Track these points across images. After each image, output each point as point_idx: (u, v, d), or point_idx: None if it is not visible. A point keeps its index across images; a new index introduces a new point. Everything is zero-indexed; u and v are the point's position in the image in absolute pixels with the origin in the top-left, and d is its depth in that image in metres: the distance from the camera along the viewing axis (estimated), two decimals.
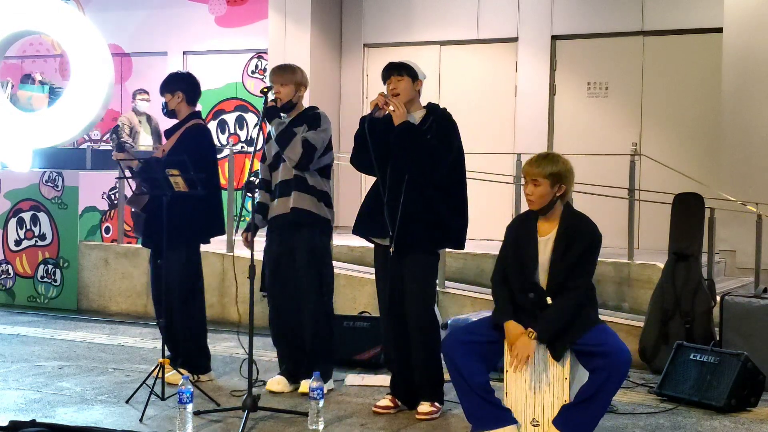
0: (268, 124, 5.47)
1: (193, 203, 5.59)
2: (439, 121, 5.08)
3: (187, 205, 5.58)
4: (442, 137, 5.01)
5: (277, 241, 5.58)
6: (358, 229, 5.25)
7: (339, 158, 8.11)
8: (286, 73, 5.57)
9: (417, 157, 4.97)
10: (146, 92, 10.67)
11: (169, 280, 5.74)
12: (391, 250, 5.03)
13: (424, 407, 5.06)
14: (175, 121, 5.95)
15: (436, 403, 5.07)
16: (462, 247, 5.22)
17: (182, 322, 5.82)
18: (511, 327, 4.50)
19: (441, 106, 5.22)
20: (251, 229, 5.42)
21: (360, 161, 5.19)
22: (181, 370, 5.62)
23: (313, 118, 5.53)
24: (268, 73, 5.68)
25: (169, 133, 5.92)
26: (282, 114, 5.55)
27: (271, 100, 5.50)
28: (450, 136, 5.07)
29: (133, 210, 6.02)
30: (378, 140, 5.05)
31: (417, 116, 5.12)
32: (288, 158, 5.42)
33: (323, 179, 5.56)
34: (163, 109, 5.92)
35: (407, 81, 5.12)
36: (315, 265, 5.53)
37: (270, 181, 5.63)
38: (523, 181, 4.71)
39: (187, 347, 5.84)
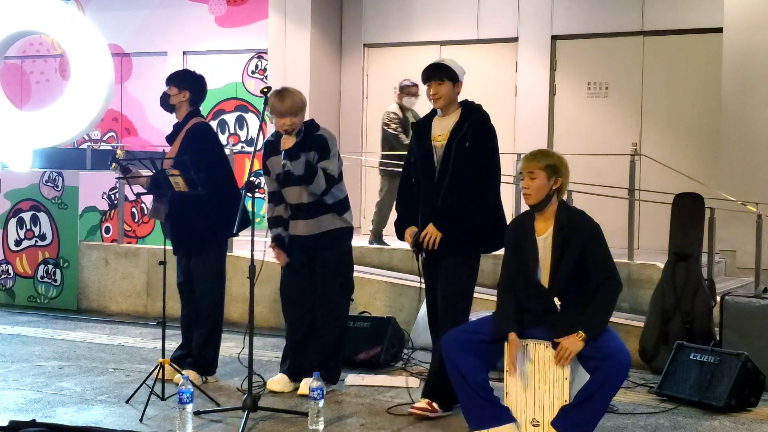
0: (289, 162, 5.40)
1: (216, 204, 5.60)
2: (475, 126, 5.06)
3: (211, 207, 5.59)
4: (478, 145, 5.01)
5: (299, 254, 5.58)
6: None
7: None
8: (294, 99, 5.41)
9: (456, 166, 4.99)
10: (417, 85, 8.98)
11: (200, 282, 5.78)
12: (422, 255, 5.10)
13: (421, 403, 5.07)
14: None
15: (435, 404, 5.04)
16: (495, 249, 5.20)
17: (209, 323, 5.83)
18: (514, 339, 4.51)
19: (477, 105, 5.21)
20: (280, 245, 5.54)
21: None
22: (188, 372, 5.65)
23: (320, 144, 5.47)
24: (268, 99, 5.49)
25: (173, 133, 5.87)
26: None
27: (286, 135, 5.41)
28: (486, 143, 5.06)
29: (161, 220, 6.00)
30: (422, 149, 5.13)
31: (453, 120, 5.11)
32: (311, 192, 5.43)
33: (338, 187, 5.56)
34: (161, 100, 5.88)
35: (448, 85, 5.10)
36: (341, 271, 5.58)
37: (279, 194, 5.61)
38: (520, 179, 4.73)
39: (204, 349, 5.84)
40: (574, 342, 4.39)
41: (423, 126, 5.25)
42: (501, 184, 5.29)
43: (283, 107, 5.39)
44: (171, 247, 5.86)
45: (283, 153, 5.41)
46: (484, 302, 7.02)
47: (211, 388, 5.63)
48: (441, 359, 4.83)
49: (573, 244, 4.49)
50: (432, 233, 4.99)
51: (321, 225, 5.48)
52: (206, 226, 5.71)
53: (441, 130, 5.14)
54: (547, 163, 4.55)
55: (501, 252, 4.94)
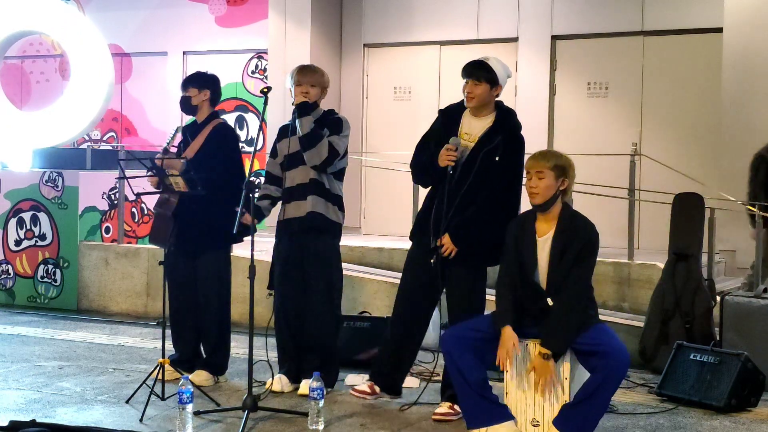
0: (298, 121, 5.45)
1: (226, 204, 5.60)
2: (507, 139, 5.00)
3: (222, 205, 5.58)
4: (508, 161, 4.97)
5: (288, 242, 5.58)
6: (414, 234, 5.29)
7: None
8: (315, 74, 5.57)
9: (479, 177, 4.96)
10: None
11: (207, 282, 5.78)
12: (432, 260, 5.06)
13: (443, 408, 5.07)
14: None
15: (456, 407, 5.00)
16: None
17: (218, 324, 5.84)
18: (506, 334, 4.50)
19: (512, 112, 5.14)
20: (256, 214, 5.47)
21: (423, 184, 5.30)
22: (200, 372, 5.73)
23: (335, 123, 5.55)
24: (291, 73, 5.63)
25: (192, 132, 5.88)
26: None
27: (301, 95, 5.48)
28: (516, 158, 5.03)
29: (156, 213, 5.93)
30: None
31: (484, 124, 5.06)
32: (309, 159, 5.42)
33: (338, 183, 5.58)
34: (182, 103, 5.89)
35: (484, 87, 5.03)
36: (325, 269, 5.55)
37: (277, 177, 5.63)
38: (525, 179, 4.72)
39: (216, 349, 5.85)
40: (544, 368, 4.41)
41: (452, 116, 5.17)
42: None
43: (301, 77, 5.54)
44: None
45: (293, 109, 5.47)
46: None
47: (211, 388, 5.63)
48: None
49: (571, 249, 4.49)
50: (448, 246, 4.98)
51: (315, 205, 5.46)
52: (216, 226, 5.69)
53: (469, 129, 5.09)
54: (556, 163, 4.55)
55: None
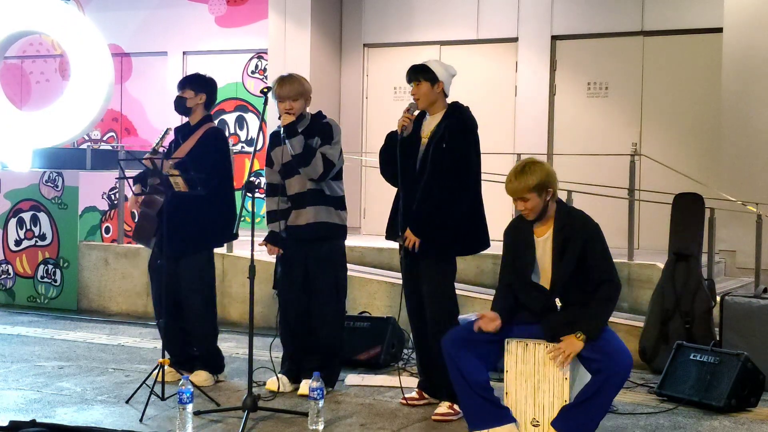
0: (288, 142, 5.42)
1: (211, 207, 5.61)
2: (452, 127, 5.10)
3: (207, 208, 5.60)
4: (454, 147, 5.06)
5: (292, 246, 5.58)
6: (388, 234, 5.38)
7: None
8: (294, 85, 5.50)
9: (432, 167, 5.06)
10: None
11: (189, 283, 5.77)
12: (400, 255, 5.18)
13: (442, 408, 5.09)
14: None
15: (455, 406, 5.03)
16: (474, 252, 5.32)
17: (203, 324, 5.85)
18: (490, 314, 4.56)
19: (463, 107, 5.26)
20: (277, 242, 5.51)
21: (388, 174, 5.34)
22: (200, 372, 5.75)
23: (325, 130, 5.52)
24: (272, 84, 5.61)
25: (184, 134, 5.88)
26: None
27: (286, 114, 5.44)
28: (463, 144, 5.10)
29: (141, 212, 5.91)
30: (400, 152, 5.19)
31: (435, 119, 5.19)
32: (306, 174, 5.44)
33: (337, 183, 5.59)
34: (176, 103, 5.89)
35: (426, 86, 5.19)
36: (331, 271, 5.57)
37: (276, 185, 5.62)
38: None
39: (207, 348, 5.87)
40: (573, 343, 4.40)
41: (417, 120, 5.31)
42: (481, 185, 5.26)
43: (282, 91, 5.50)
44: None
45: (281, 130, 5.46)
46: (484, 302, 7.02)
47: (211, 388, 5.63)
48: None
49: (573, 244, 4.49)
50: (410, 238, 5.08)
51: (317, 215, 5.47)
52: (199, 228, 5.70)
53: (426, 129, 5.24)
54: (534, 184, 4.48)
55: (499, 252, 4.94)
